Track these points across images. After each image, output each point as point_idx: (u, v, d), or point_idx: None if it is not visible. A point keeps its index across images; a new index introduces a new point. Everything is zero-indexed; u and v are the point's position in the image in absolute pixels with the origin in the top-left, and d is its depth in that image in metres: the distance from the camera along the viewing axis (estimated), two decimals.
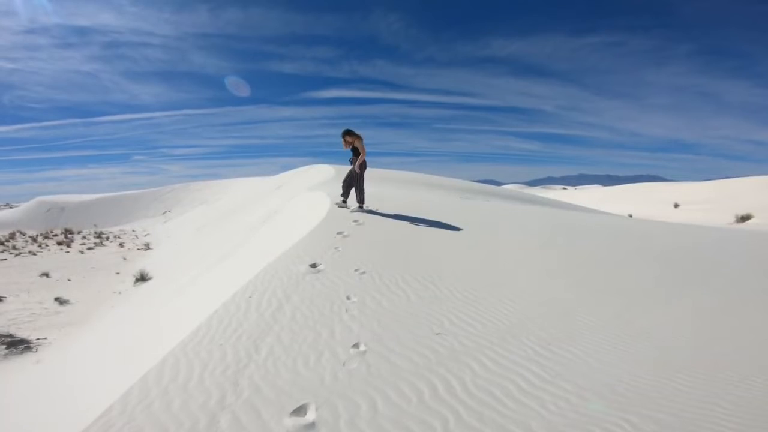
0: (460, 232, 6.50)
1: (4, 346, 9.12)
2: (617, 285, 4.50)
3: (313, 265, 4.33)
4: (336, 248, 4.95)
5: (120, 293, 13.99)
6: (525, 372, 2.55)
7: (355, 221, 6.34)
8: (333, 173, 15.93)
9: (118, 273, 17.47)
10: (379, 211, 7.45)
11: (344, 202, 7.56)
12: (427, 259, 4.78)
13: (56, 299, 13.09)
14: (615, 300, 3.98)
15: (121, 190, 44.58)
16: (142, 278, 14.51)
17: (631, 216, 35.19)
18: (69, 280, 16.65)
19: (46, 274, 17.25)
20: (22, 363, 8.20)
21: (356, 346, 2.76)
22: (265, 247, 6.33)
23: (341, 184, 7.73)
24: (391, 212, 7.37)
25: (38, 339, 9.69)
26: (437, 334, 2.96)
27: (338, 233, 5.58)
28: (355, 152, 7.24)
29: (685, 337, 3.22)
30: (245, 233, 10.63)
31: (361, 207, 7.36)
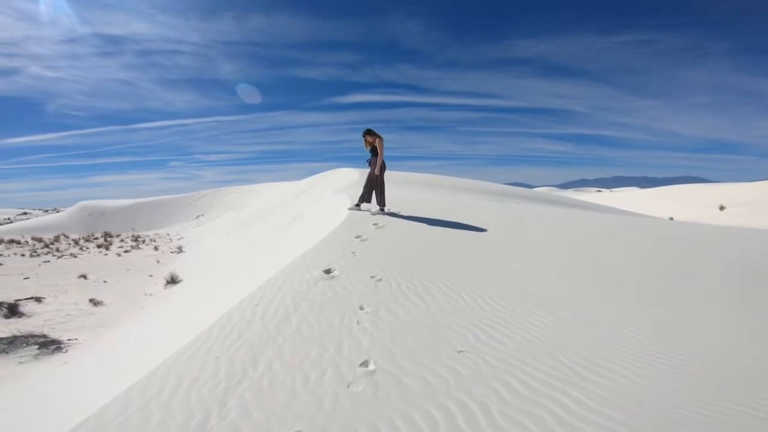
0: (488, 235, 6.14)
1: (37, 347, 9.27)
2: (666, 294, 3.96)
3: (327, 271, 4.08)
4: (353, 253, 4.69)
5: (151, 295, 14.20)
6: (564, 398, 2.13)
7: (375, 224, 6.06)
8: (357, 177, 15.72)
9: (150, 275, 17.79)
10: (401, 213, 7.13)
11: (358, 205, 7.28)
12: (451, 265, 4.42)
13: (90, 300, 13.39)
14: (667, 312, 3.47)
15: (158, 195, 46.06)
16: (173, 281, 14.70)
17: (671, 219, 33.45)
18: (105, 281, 17.08)
19: (84, 276, 17.78)
20: (51, 363, 8.30)
21: (364, 364, 2.43)
22: (284, 251, 6.14)
23: (362, 188, 7.44)
24: (414, 215, 7.09)
25: (69, 339, 9.85)
26: (459, 351, 2.58)
27: (357, 237, 5.35)
28: (375, 153, 6.99)
29: (753, 357, 2.70)
30: (269, 238, 10.51)
31: (382, 210, 7.09)
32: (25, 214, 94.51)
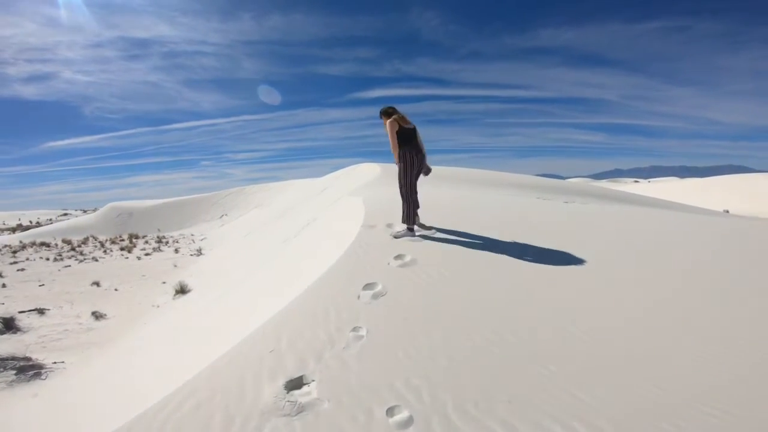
0: (577, 271, 3.92)
1: (14, 372, 8.27)
2: None
3: (296, 385, 2.21)
4: (355, 332, 2.68)
5: (158, 306, 13.34)
6: None
7: (399, 258, 3.92)
8: (379, 171, 14.22)
9: (164, 282, 16.95)
10: (435, 231, 4.94)
11: (410, 229, 4.72)
12: (545, 359, 2.39)
13: (93, 313, 12.59)
14: None
15: (191, 194, 46.10)
16: (182, 290, 13.75)
17: (728, 212, 30.38)
18: (116, 289, 16.43)
19: (97, 283, 17.21)
20: (21, 393, 7.32)
21: None
22: (280, 279, 4.84)
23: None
24: (453, 228, 5.16)
25: (55, 363, 8.91)
26: None
27: (366, 287, 3.31)
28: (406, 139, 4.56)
29: None
30: (278, 246, 9.23)
31: (410, 230, 4.65)
32: (65, 214, 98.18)
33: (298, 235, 8.37)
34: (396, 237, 4.62)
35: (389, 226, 5.08)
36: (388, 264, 3.81)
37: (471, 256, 4.12)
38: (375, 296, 3.16)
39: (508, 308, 2.99)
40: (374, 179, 12.70)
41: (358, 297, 3.17)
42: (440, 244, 4.53)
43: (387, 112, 4.61)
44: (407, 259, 3.90)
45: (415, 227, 4.81)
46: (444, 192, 8.06)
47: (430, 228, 4.97)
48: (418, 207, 4.79)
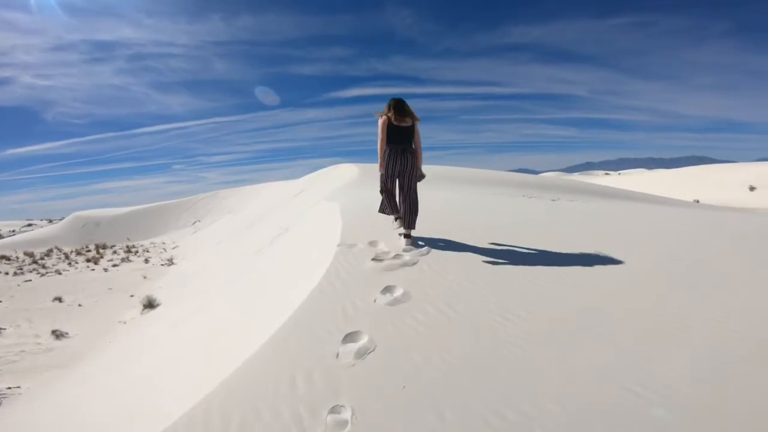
0: (596, 291, 3.19)
1: None
2: None
3: None
4: (336, 417, 1.91)
5: (125, 323, 12.59)
6: None
7: (387, 291, 3.11)
8: (357, 173, 13.77)
9: (132, 296, 16.11)
10: (423, 248, 4.11)
11: (407, 239, 4.23)
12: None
13: (53, 332, 11.76)
14: None
15: (163, 199, 44.52)
16: (150, 305, 13.02)
17: (698, 202, 31.21)
18: (80, 305, 15.52)
19: (59, 299, 16.22)
20: None
21: None
22: (249, 299, 4.31)
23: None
24: (445, 237, 4.61)
25: (9, 388, 8.20)
26: None
27: (346, 341, 2.48)
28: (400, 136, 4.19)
29: None
30: (248, 259, 8.70)
31: (407, 236, 4.21)
32: (30, 225, 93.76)
33: (270, 245, 7.87)
34: (375, 260, 3.79)
35: (372, 244, 4.17)
36: (375, 301, 2.94)
37: (477, 281, 3.26)
38: (360, 354, 2.31)
39: (540, 365, 2.15)
40: (352, 181, 12.27)
41: (337, 355, 2.31)
42: (436, 262, 3.71)
43: (388, 106, 4.17)
44: (398, 293, 3.03)
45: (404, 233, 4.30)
46: (429, 194, 7.59)
47: (409, 239, 4.21)
48: (397, 212, 4.32)
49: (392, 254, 3.82)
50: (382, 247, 4.11)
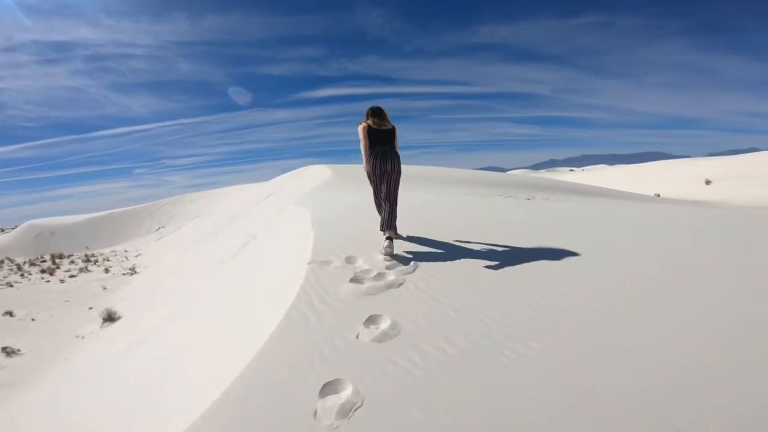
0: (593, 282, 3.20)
1: None
2: None
3: None
4: None
5: (83, 337, 11.81)
6: None
7: (371, 323, 2.65)
8: (329, 174, 13.36)
9: (91, 308, 15.19)
10: (407, 256, 3.89)
11: (388, 250, 3.94)
12: None
13: (3, 349, 10.88)
14: None
15: (127, 205, 42.62)
16: (111, 318, 12.28)
17: (659, 196, 32.41)
18: (33, 319, 14.50)
19: (10, 313, 15.10)
20: None
21: None
22: (213, 313, 3.86)
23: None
24: (432, 249, 4.19)
25: None
26: None
27: (324, 393, 1.99)
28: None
29: None
30: (214, 269, 8.22)
31: (389, 239, 3.98)
32: None
33: (235, 256, 7.40)
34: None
35: (349, 260, 3.68)
36: (357, 337, 2.42)
37: (475, 305, 2.82)
38: (344, 411, 1.82)
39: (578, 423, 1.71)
40: (324, 183, 11.88)
41: (315, 414, 1.82)
42: (424, 281, 3.25)
43: (366, 114, 4.32)
44: (385, 324, 2.53)
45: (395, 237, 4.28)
46: (404, 195, 7.29)
47: (390, 241, 4.01)
48: (389, 226, 4.17)
49: (374, 273, 3.34)
50: (360, 264, 3.61)
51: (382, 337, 2.38)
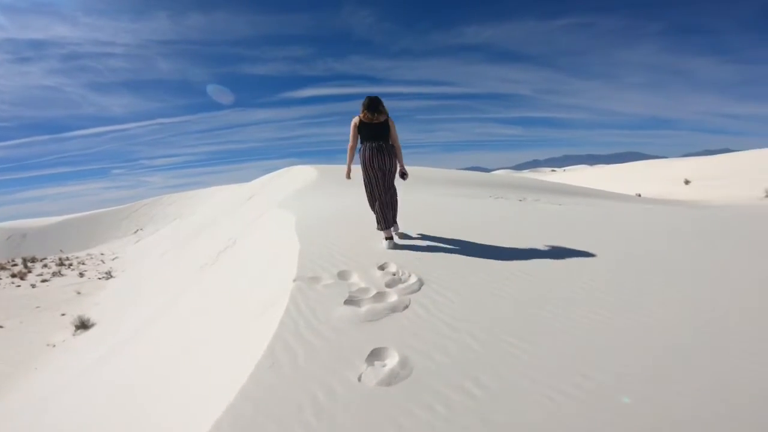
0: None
1: None
2: None
3: None
4: None
5: (54, 346, 11.20)
6: None
7: (374, 359, 2.15)
8: (314, 175, 12.92)
9: (63, 314, 14.50)
10: (406, 276, 3.42)
11: (389, 239, 4.02)
12: None
13: None
14: None
15: (102, 207, 41.25)
16: (83, 326, 11.67)
17: (640, 195, 32.75)
18: (1, 326, 13.73)
19: None
20: None
21: None
22: (187, 326, 3.43)
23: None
24: (429, 254, 3.84)
25: None
26: None
27: None
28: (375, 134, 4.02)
29: None
30: (192, 275, 7.75)
31: (389, 239, 4.00)
32: None
33: (215, 262, 6.96)
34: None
35: (342, 276, 3.17)
36: (359, 379, 1.93)
37: (498, 331, 2.35)
38: None
39: None
40: (309, 184, 11.45)
41: None
42: (433, 302, 2.75)
43: (362, 106, 3.99)
44: (393, 361, 2.06)
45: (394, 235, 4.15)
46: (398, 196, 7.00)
47: (391, 240, 3.97)
48: (387, 224, 4.06)
49: (372, 292, 2.82)
50: (356, 280, 3.07)
51: (391, 379, 1.88)
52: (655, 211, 8.96)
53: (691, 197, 32.03)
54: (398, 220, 4.30)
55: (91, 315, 12.28)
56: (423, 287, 2.96)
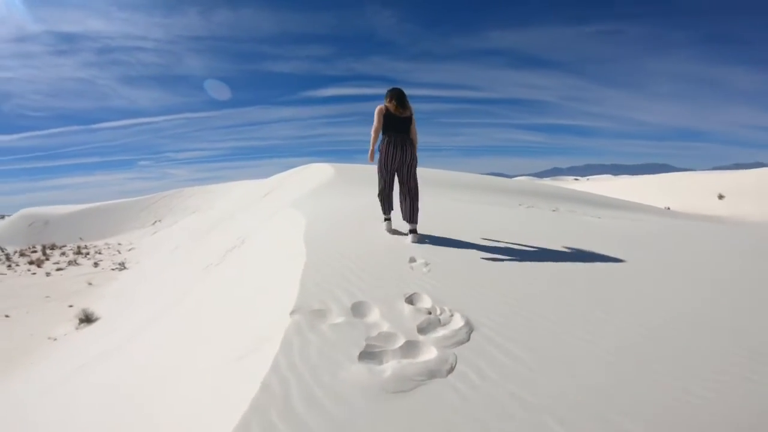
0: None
1: None
2: None
3: None
4: None
5: (55, 339, 10.81)
6: None
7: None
8: (331, 173, 12.20)
9: (71, 306, 14.17)
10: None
11: (412, 234, 4.03)
12: None
13: None
14: None
15: (127, 196, 41.57)
16: (87, 319, 11.26)
17: (669, 209, 31.12)
18: (7, 316, 13.51)
19: None
20: None
21: None
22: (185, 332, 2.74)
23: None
24: (469, 280, 2.93)
25: None
26: None
27: None
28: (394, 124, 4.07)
29: None
30: (197, 274, 7.12)
31: (388, 220, 4.28)
32: None
33: (220, 262, 6.29)
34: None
35: (356, 310, 2.30)
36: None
37: (601, 410, 1.51)
38: None
39: None
40: (324, 183, 10.77)
41: None
42: (490, 359, 1.87)
43: (389, 96, 4.05)
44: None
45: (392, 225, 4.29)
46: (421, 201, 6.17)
47: (415, 234, 3.94)
48: (390, 210, 4.26)
49: (399, 340, 1.96)
50: (375, 317, 2.21)
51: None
52: (706, 228, 7.93)
53: (727, 213, 30.38)
54: (419, 217, 4.20)
55: (96, 308, 11.89)
56: (473, 334, 2.04)
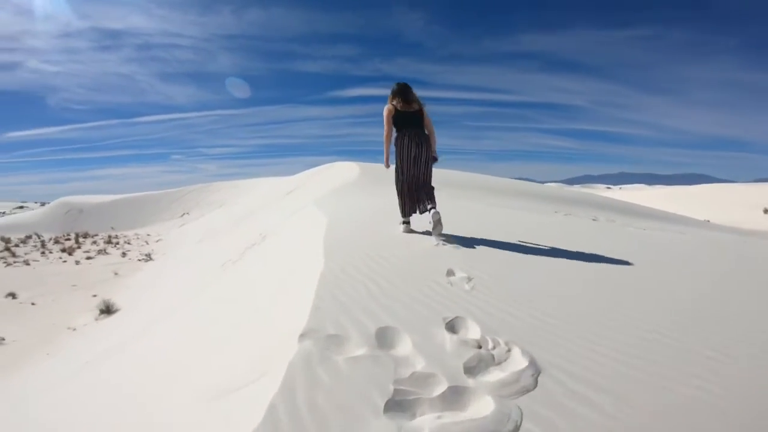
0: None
1: None
2: None
3: None
4: None
5: (74, 330, 10.80)
6: None
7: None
8: (357, 172, 11.79)
9: (95, 295, 14.27)
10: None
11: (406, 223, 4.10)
12: None
13: None
14: None
15: (159, 188, 42.64)
16: (107, 310, 11.24)
17: (708, 221, 29.42)
18: (33, 303, 13.73)
19: (13, 294, 14.37)
20: None
21: None
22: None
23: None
24: (509, 298, 2.34)
25: None
26: None
27: None
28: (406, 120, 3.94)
29: None
30: (215, 271, 6.84)
31: (406, 222, 4.09)
32: (21, 207, 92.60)
33: (239, 260, 5.97)
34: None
35: (382, 340, 1.77)
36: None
37: None
38: None
39: None
40: (349, 182, 10.39)
41: None
42: (570, 419, 1.32)
43: (393, 94, 3.96)
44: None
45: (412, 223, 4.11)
46: (449, 203, 5.64)
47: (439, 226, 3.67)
48: (411, 213, 4.05)
49: (440, 385, 1.43)
50: (405, 349, 1.69)
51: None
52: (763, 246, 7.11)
53: None
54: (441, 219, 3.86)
55: (118, 299, 11.88)
56: (541, 377, 1.50)
